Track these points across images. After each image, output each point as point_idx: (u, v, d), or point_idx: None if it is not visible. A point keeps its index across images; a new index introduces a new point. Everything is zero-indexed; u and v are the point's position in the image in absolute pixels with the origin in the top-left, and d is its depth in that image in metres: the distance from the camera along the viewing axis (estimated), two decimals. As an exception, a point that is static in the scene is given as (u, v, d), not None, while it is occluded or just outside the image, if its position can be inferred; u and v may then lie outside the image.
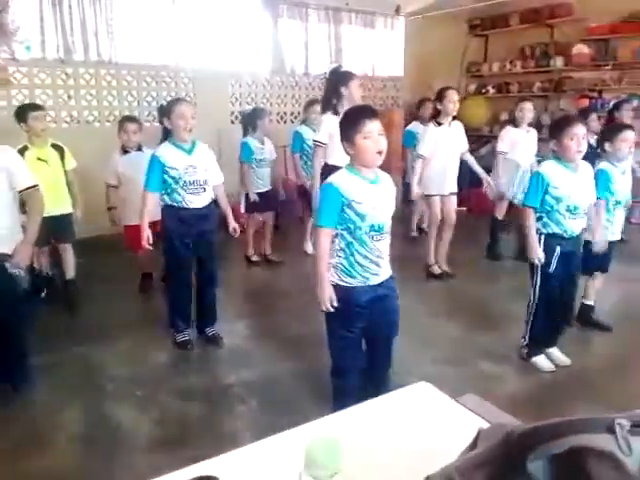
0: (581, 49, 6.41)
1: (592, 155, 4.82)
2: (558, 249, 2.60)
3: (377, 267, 2.05)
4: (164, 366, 2.83)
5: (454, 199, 4.14)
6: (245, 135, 4.43)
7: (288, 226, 5.48)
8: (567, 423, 0.46)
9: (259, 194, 4.39)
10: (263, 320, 3.43)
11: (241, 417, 2.38)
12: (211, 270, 3.04)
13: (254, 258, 4.59)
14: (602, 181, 2.93)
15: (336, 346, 2.17)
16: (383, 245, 2.05)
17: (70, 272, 3.67)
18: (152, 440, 2.19)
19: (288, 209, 5.18)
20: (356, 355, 2.15)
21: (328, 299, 2.03)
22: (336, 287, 2.05)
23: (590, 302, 3.28)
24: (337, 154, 3.44)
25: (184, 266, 2.95)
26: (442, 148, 3.98)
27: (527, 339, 2.82)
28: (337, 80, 3.45)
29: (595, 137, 4.67)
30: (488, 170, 4.37)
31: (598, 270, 3.18)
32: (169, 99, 5.39)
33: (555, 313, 2.76)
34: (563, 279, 2.68)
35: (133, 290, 3.87)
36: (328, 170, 3.48)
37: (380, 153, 1.95)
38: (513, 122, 4.51)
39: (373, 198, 1.98)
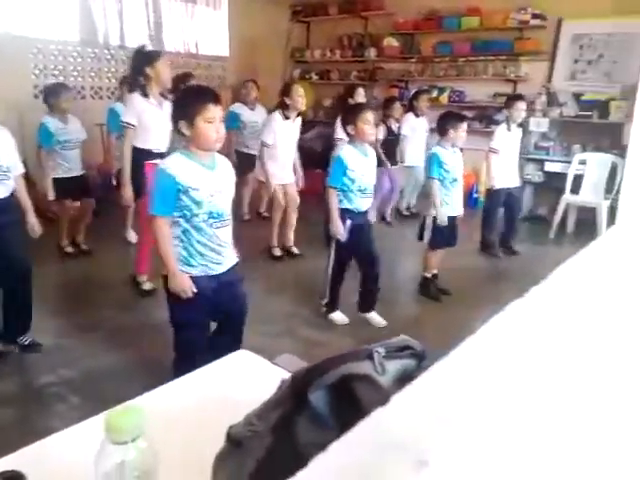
0: (391, 42, 7.01)
1: (395, 139, 5.39)
2: (349, 222, 2.93)
3: (219, 255, 2.00)
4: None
5: (294, 185, 4.32)
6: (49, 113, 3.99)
7: (109, 212, 5.11)
8: (338, 357, 0.54)
9: (70, 179, 4.00)
10: (83, 314, 3.19)
11: (60, 416, 2.21)
12: (19, 268, 2.62)
13: (68, 249, 4.19)
14: (434, 163, 3.34)
15: (181, 337, 2.10)
16: (224, 232, 2.00)
17: None
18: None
19: (108, 194, 4.82)
20: (201, 345, 2.09)
21: (189, 288, 1.94)
22: None
23: (428, 274, 3.60)
24: (145, 137, 3.28)
25: None
26: (285, 141, 4.08)
27: (326, 299, 3.17)
28: (142, 60, 3.24)
29: (397, 124, 5.26)
30: (321, 154, 4.63)
31: (447, 245, 3.52)
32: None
33: (365, 282, 3.10)
34: (359, 249, 3.02)
35: None
36: (137, 154, 3.28)
37: (219, 140, 1.92)
38: None
39: (211, 185, 1.92)
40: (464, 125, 3.36)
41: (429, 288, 3.60)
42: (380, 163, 5.11)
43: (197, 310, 2.03)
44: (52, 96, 3.91)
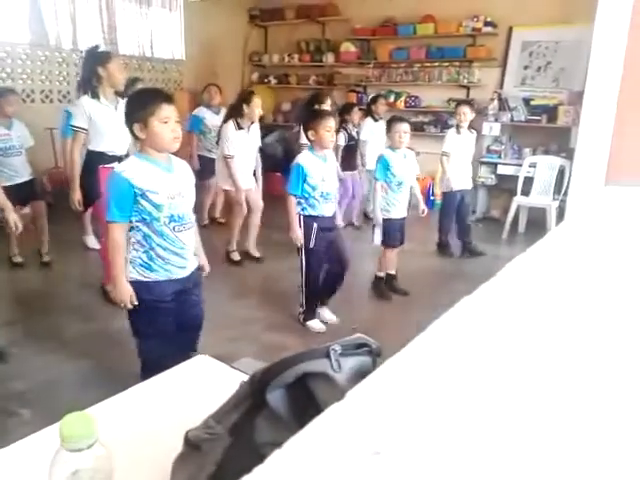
0: (348, 47, 7.09)
1: (354, 144, 5.44)
2: (315, 225, 2.95)
3: (181, 259, 1.95)
4: None
5: (255, 190, 4.28)
6: None
7: (61, 219, 4.95)
8: (295, 356, 0.55)
9: (16, 186, 3.80)
10: (38, 323, 3.08)
11: (12, 431, 2.11)
12: None
13: (16, 259, 4.01)
14: (381, 165, 3.41)
15: (145, 345, 2.04)
16: (186, 236, 1.96)
17: None
18: None
19: (61, 200, 4.67)
20: (168, 351, 1.98)
21: (128, 298, 1.88)
22: (137, 283, 1.91)
23: (380, 274, 3.71)
24: (98, 139, 3.20)
25: None
26: (241, 150, 4.04)
27: (303, 306, 3.14)
28: (94, 61, 3.18)
29: (355, 129, 5.31)
30: (281, 158, 4.60)
31: (400, 244, 3.62)
32: None
33: (328, 282, 3.14)
34: (327, 252, 3.04)
35: None
36: (91, 156, 3.23)
37: (177, 139, 1.87)
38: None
39: (169, 187, 1.87)
40: (401, 126, 3.41)
41: (379, 287, 3.69)
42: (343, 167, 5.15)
43: (162, 317, 1.98)
44: None
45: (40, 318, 3.18)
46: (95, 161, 3.18)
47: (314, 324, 3.15)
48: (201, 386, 1.03)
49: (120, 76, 3.21)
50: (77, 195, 3.25)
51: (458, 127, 4.50)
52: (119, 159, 3.06)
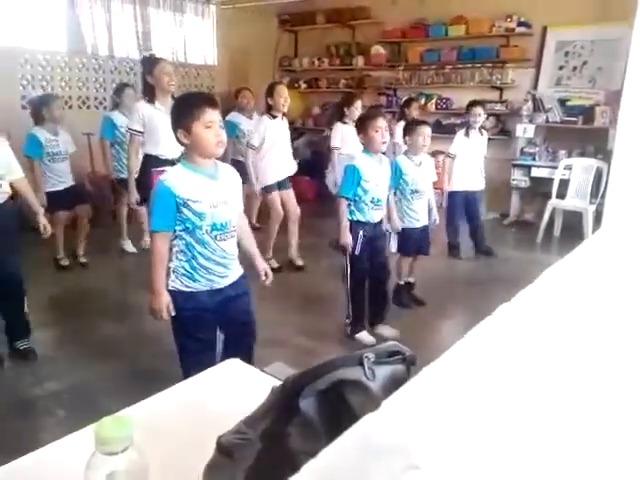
0: (378, 50, 7.06)
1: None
2: (361, 232, 2.83)
3: (224, 269, 1.91)
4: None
5: (292, 193, 4.18)
6: (37, 125, 3.91)
7: (99, 222, 5.07)
8: (328, 363, 0.54)
9: (62, 191, 3.94)
10: (75, 325, 3.16)
11: (48, 430, 2.17)
12: (12, 275, 2.64)
13: (64, 262, 4.11)
14: (394, 172, 3.25)
15: (186, 355, 2.00)
16: (229, 245, 1.91)
17: None
18: None
19: (98, 204, 4.79)
20: (208, 361, 1.93)
21: (165, 309, 1.84)
22: (179, 293, 1.88)
23: (401, 282, 3.54)
24: (153, 143, 3.33)
25: None
26: (277, 140, 3.98)
27: (350, 318, 3.00)
28: (144, 68, 3.35)
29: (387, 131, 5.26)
30: (310, 162, 4.56)
31: (417, 253, 3.45)
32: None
33: (376, 294, 3.01)
34: (371, 261, 2.92)
35: None
36: (146, 161, 3.38)
37: (221, 144, 1.82)
38: (340, 119, 4.53)
39: (213, 195, 1.83)
40: (425, 129, 3.24)
41: (400, 295, 3.53)
42: None
43: (203, 326, 1.95)
44: (44, 107, 3.85)
45: (77, 319, 3.26)
46: (150, 164, 3.31)
47: (363, 336, 2.99)
48: (232, 390, 1.03)
49: (166, 79, 3.30)
50: (134, 195, 3.51)
51: (468, 130, 4.48)
52: (172, 163, 3.13)
